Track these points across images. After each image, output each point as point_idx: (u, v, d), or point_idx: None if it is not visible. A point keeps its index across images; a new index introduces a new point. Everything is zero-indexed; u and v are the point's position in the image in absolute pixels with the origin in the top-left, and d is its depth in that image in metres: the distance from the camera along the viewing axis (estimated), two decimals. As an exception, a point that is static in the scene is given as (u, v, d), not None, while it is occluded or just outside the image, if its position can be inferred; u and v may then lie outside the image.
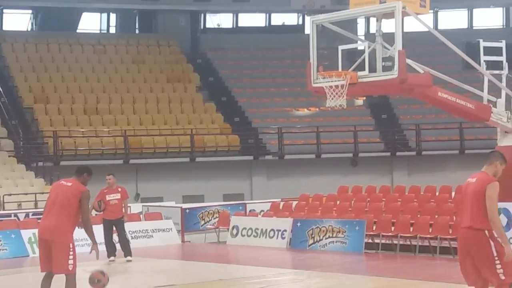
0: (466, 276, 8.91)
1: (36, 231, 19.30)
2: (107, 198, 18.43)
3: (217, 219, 23.49)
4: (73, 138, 31.61)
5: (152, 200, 29.46)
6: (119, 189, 18.66)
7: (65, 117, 32.91)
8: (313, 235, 19.90)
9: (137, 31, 41.99)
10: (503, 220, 14.97)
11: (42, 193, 25.39)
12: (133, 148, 31.94)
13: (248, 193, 33.13)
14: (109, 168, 30.65)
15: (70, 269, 10.58)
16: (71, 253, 10.60)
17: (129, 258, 18.39)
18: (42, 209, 11.58)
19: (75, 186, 10.77)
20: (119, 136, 31.94)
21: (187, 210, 23.98)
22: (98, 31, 41.04)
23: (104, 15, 41.08)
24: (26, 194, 26.27)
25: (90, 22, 40.85)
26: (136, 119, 33.88)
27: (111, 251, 18.51)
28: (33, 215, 22.85)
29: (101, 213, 18.49)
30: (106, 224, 18.60)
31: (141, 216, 23.87)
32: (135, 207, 25.51)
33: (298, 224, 20.42)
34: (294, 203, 23.09)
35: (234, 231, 21.82)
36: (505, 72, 15.86)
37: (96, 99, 34.57)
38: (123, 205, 18.69)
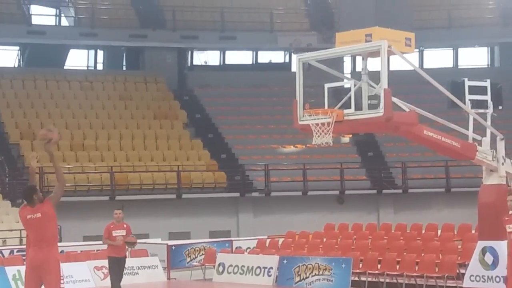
0: None
1: (21, 267, 19.25)
2: (114, 234, 17.59)
3: (203, 256, 23.39)
4: (59, 175, 31.45)
5: (138, 237, 29.16)
6: (125, 225, 17.80)
7: (52, 153, 32.78)
8: (299, 273, 19.84)
9: (124, 68, 42.10)
10: (489, 259, 14.97)
11: (27, 229, 25.22)
12: (119, 184, 31.87)
13: (235, 230, 33.05)
14: (95, 204, 30.68)
15: None
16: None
17: None
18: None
19: (41, 209, 10.80)
20: (106, 173, 31.88)
21: (173, 247, 23.87)
22: (85, 68, 41.14)
23: (92, 52, 41.18)
24: (11, 230, 26.12)
25: (77, 59, 40.95)
26: (123, 155, 33.85)
27: None
28: (18, 251, 22.69)
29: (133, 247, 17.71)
30: (112, 262, 17.76)
31: (126, 253, 23.70)
32: (121, 244, 25.32)
33: (285, 261, 20.37)
34: (281, 240, 23.06)
35: (220, 268, 21.74)
36: (490, 111, 15.97)
37: (83, 135, 34.55)
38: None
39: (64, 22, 40.90)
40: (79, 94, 37.50)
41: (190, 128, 37.08)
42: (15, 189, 30.28)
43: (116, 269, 17.79)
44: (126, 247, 17.98)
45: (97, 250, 23.41)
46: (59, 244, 24.43)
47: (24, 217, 10.94)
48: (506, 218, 12.02)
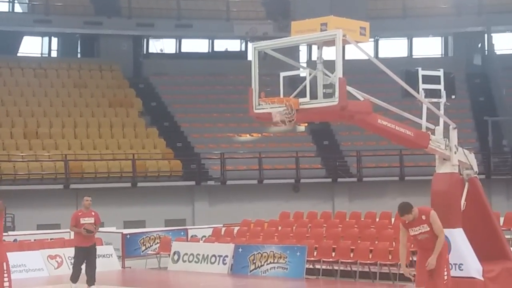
0: None
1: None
2: (82, 221, 17.07)
3: (158, 245, 23.36)
4: (13, 163, 31.19)
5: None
6: (93, 213, 17.38)
7: (5, 141, 32.49)
8: (254, 261, 19.92)
9: (79, 55, 41.74)
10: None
11: (-20, 218, 24.94)
12: (73, 172, 31.64)
13: (190, 219, 33.04)
14: (49, 193, 30.42)
15: None
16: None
17: (93, 287, 17.54)
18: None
19: None
20: (60, 161, 31.61)
21: (128, 236, 23.79)
22: (39, 55, 40.71)
23: (46, 39, 40.78)
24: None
25: (31, 46, 40.51)
26: (77, 143, 33.59)
27: (75, 278, 17.21)
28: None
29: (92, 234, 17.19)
30: (78, 252, 17.22)
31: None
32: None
33: (240, 249, 20.43)
34: (236, 228, 23.11)
35: (176, 257, 21.73)
36: (443, 100, 16.09)
37: (37, 123, 34.22)
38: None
39: (18, 8, 40.44)
40: (33, 81, 37.12)
41: (145, 116, 36.93)
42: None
43: (83, 260, 17.18)
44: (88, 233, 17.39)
45: (50, 239, 23.27)
46: (12, 232, 24.22)
47: None
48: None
